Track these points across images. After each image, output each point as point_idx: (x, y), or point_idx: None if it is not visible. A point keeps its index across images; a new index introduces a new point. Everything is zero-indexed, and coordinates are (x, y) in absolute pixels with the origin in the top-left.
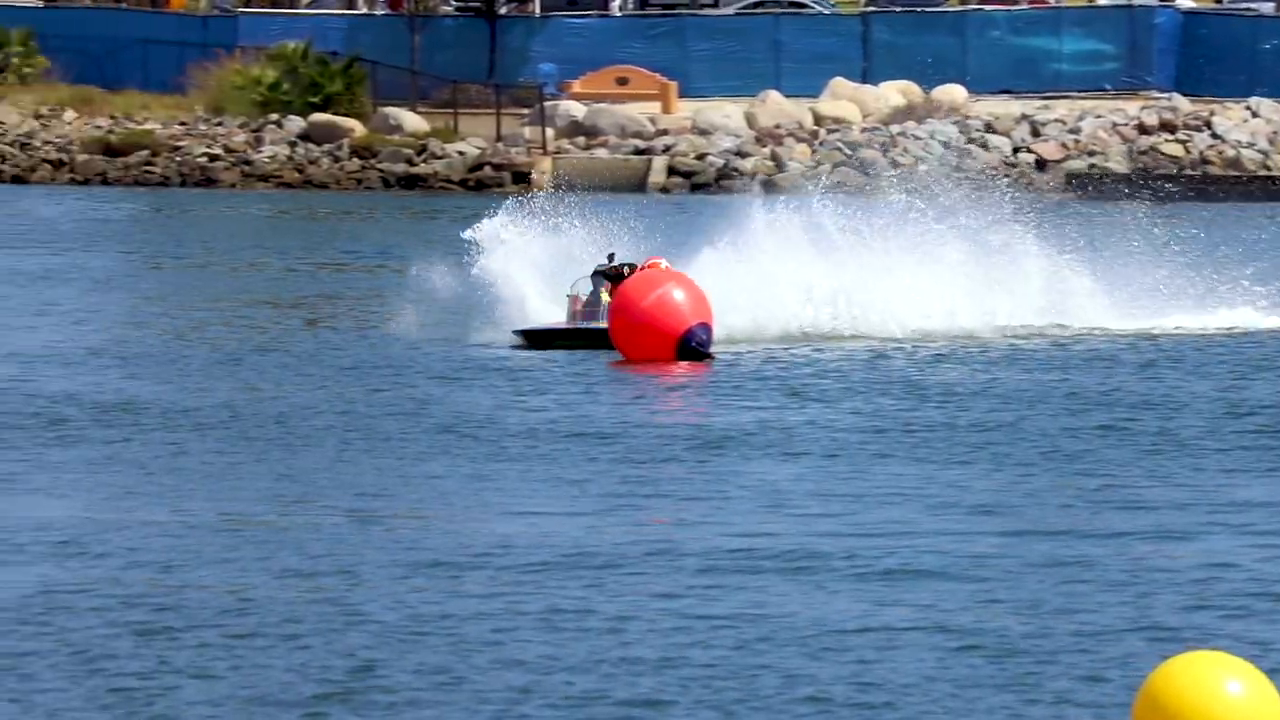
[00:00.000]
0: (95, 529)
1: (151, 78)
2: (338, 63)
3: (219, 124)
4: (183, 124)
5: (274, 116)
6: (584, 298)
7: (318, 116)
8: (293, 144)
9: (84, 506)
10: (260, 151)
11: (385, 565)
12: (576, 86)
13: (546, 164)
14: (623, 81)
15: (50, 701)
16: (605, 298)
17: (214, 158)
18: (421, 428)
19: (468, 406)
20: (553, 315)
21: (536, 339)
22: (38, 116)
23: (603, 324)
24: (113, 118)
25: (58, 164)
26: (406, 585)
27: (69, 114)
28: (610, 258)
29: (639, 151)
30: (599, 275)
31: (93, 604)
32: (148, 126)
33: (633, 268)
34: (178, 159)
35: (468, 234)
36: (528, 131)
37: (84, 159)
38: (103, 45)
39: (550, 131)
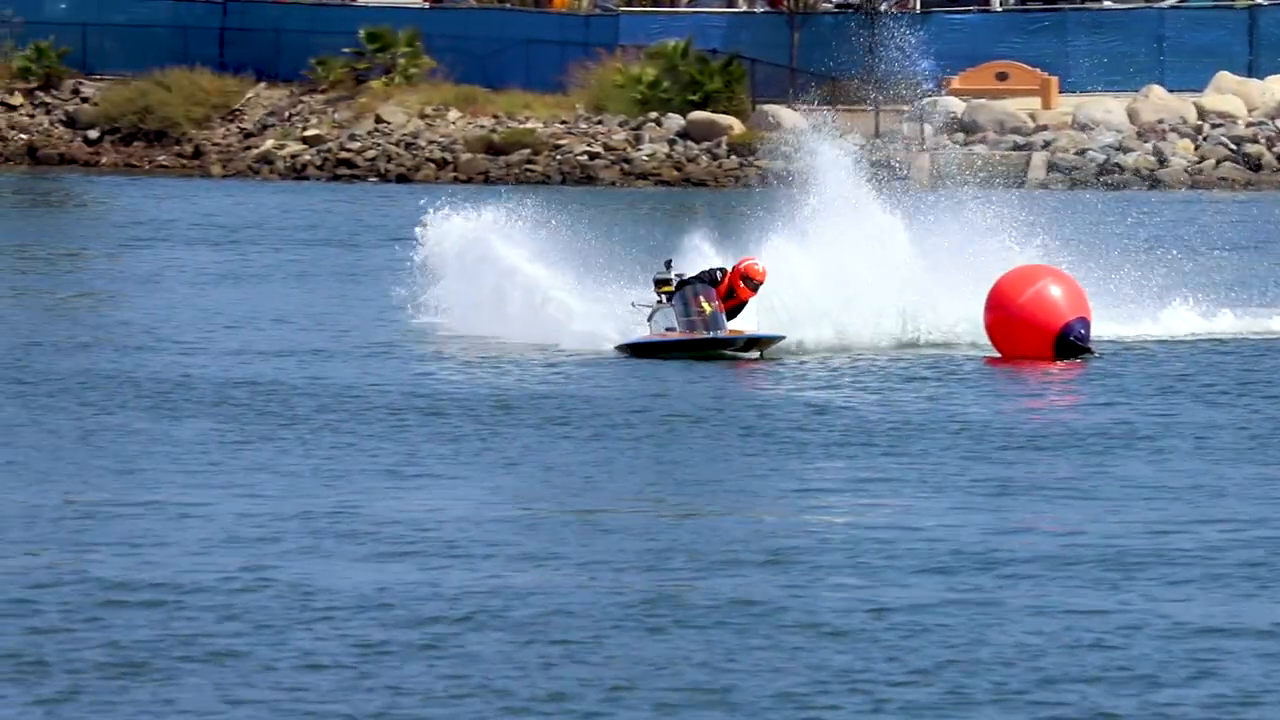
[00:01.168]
0: (464, 524)
1: (534, 77)
2: (717, 60)
3: (599, 122)
4: (564, 123)
5: (653, 114)
6: (664, 311)
7: (697, 114)
8: (672, 142)
9: (458, 502)
10: (639, 149)
11: (745, 561)
12: (956, 83)
13: (925, 160)
14: (1002, 77)
15: (418, 688)
16: (707, 306)
17: (594, 156)
18: (786, 424)
19: (831, 402)
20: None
21: (644, 351)
22: (423, 116)
23: (711, 334)
24: (495, 117)
25: (441, 163)
26: (772, 578)
27: (453, 114)
28: (668, 264)
29: (1018, 147)
30: (696, 280)
31: (449, 593)
32: (529, 125)
33: (724, 271)
34: (558, 157)
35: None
36: (906, 128)
37: (467, 158)
38: (486, 45)
39: (929, 128)
